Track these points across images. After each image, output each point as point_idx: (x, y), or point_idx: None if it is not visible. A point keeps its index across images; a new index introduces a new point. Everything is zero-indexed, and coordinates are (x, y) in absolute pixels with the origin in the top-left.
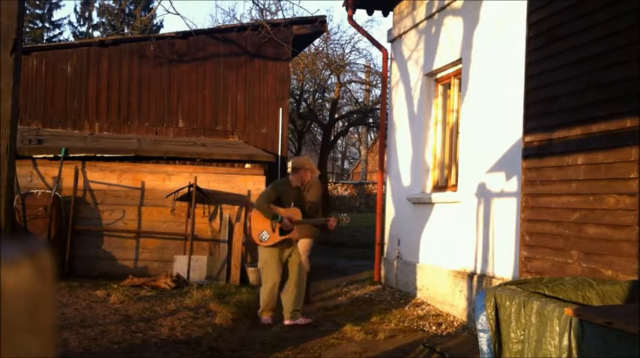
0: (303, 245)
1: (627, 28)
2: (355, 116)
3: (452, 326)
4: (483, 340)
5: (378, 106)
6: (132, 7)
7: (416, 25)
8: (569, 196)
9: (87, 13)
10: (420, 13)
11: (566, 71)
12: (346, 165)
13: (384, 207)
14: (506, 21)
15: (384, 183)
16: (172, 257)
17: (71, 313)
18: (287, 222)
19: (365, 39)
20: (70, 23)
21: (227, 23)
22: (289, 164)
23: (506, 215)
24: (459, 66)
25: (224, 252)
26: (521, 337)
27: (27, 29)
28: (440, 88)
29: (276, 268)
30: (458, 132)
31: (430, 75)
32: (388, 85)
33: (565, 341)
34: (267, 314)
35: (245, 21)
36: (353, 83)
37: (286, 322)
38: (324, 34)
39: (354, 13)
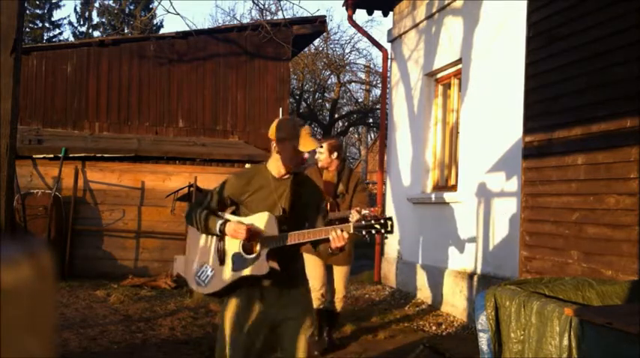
0: (340, 275)
1: (627, 28)
2: (355, 116)
3: (452, 326)
4: (483, 340)
5: (378, 106)
6: (132, 7)
7: (416, 25)
8: (569, 196)
9: (87, 13)
10: (420, 12)
11: (566, 71)
12: None
13: (384, 207)
14: (507, 21)
15: (384, 183)
16: (172, 257)
17: (71, 313)
18: (230, 228)
19: (365, 39)
20: (70, 23)
21: (227, 23)
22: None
23: (506, 215)
24: (459, 66)
25: None
26: (522, 337)
27: (27, 29)
28: (440, 87)
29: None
30: (458, 132)
31: (430, 75)
32: (388, 85)
33: (565, 341)
34: None
35: (245, 21)
36: (353, 83)
37: None
38: (324, 34)
39: (354, 13)
